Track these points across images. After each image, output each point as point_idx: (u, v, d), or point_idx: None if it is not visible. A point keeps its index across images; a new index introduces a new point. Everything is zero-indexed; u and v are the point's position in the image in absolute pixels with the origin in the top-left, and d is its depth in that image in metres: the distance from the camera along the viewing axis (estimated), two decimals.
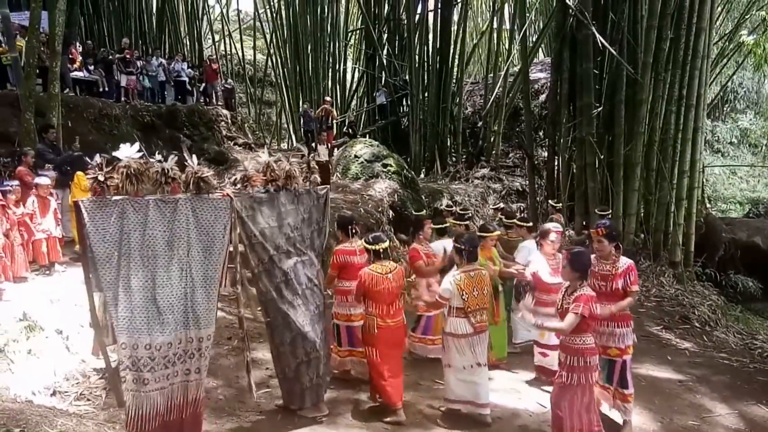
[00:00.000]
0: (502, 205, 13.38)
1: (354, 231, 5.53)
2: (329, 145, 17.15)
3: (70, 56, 12.53)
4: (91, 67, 13.29)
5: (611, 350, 4.48)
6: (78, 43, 13.87)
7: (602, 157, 11.20)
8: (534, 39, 21.00)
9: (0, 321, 5.09)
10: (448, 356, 4.69)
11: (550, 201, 10.65)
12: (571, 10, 11.58)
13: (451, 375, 4.71)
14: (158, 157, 3.94)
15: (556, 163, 13.39)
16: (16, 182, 6.73)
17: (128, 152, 3.78)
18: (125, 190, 3.70)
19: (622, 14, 11.00)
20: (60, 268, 6.80)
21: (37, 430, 2.20)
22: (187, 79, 16.01)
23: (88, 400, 4.33)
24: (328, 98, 18.21)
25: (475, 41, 24.54)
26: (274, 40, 24.28)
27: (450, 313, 4.62)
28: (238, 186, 4.28)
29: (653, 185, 11.13)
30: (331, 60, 22.65)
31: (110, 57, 13.95)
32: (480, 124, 19.74)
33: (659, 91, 10.91)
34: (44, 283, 6.35)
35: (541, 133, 17.86)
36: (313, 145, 12.21)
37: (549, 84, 16.25)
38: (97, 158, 3.77)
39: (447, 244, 6.02)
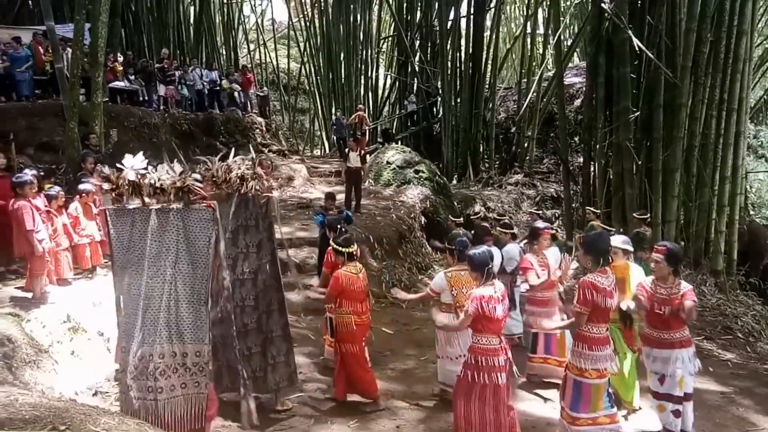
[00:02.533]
0: (534, 211, 13.20)
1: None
2: (362, 151, 17.26)
3: (111, 66, 12.94)
4: (132, 77, 13.70)
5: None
6: (119, 54, 14.33)
7: (640, 162, 10.94)
8: (568, 43, 20.78)
9: (45, 322, 5.29)
10: (439, 347, 5.13)
11: (588, 207, 10.44)
12: (606, 14, 11.38)
13: (442, 364, 5.14)
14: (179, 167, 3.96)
15: (592, 169, 13.15)
16: (59, 188, 6.96)
17: (133, 162, 3.87)
18: (130, 200, 3.81)
19: (660, 17, 10.75)
20: (102, 272, 7.00)
21: (81, 428, 2.27)
22: (222, 88, 16.35)
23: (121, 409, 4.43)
24: (361, 106, 18.31)
25: (508, 46, 24.39)
26: (308, 49, 24.62)
27: (440, 309, 4.90)
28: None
29: (693, 191, 10.83)
30: (363, 67, 22.83)
31: (150, 67, 14.35)
32: (513, 129, 19.58)
33: (699, 95, 10.63)
34: (86, 286, 6.55)
35: (576, 139, 17.57)
36: (346, 151, 12.37)
37: (584, 89, 16.01)
38: (105, 169, 3.90)
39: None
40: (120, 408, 3.86)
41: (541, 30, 23.00)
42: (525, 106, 18.46)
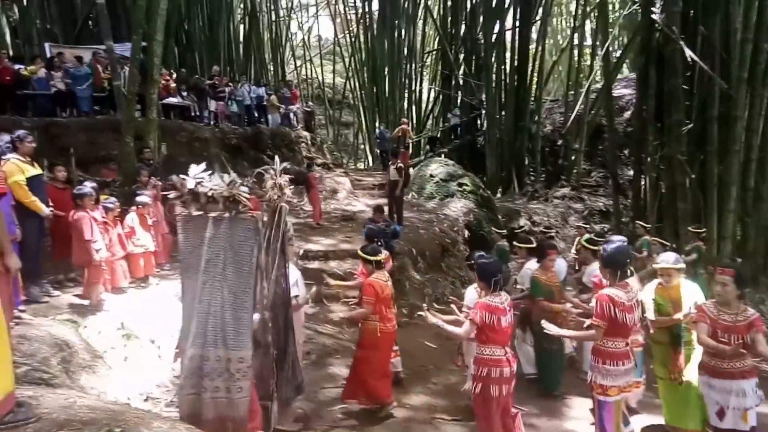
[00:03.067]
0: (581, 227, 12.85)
1: (380, 243, 5.88)
2: (405, 164, 17.31)
3: (165, 82, 13.46)
4: (185, 94, 14.21)
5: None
6: (173, 71, 14.90)
7: (693, 176, 10.57)
8: (617, 54, 20.34)
9: (101, 329, 5.51)
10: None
11: (638, 222, 10.13)
12: (657, 25, 11.12)
13: None
14: (228, 177, 4.09)
15: (642, 183, 12.78)
16: (115, 200, 7.27)
17: (196, 172, 4.02)
18: (194, 208, 3.95)
19: (713, 27, 10.43)
20: (154, 281, 7.26)
21: (135, 430, 2.36)
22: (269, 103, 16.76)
23: (178, 407, 4.56)
24: (404, 119, 18.42)
25: (554, 58, 24.08)
26: (353, 64, 25.01)
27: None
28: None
29: (750, 206, 10.38)
30: (407, 81, 23.00)
31: (202, 84, 14.86)
32: (560, 142, 19.24)
33: (756, 107, 10.24)
34: (140, 294, 6.79)
35: (625, 152, 17.13)
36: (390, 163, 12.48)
37: (634, 100, 15.62)
38: (174, 178, 4.07)
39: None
40: (176, 407, 4.01)
41: (588, 41, 22.62)
42: (572, 118, 18.12)
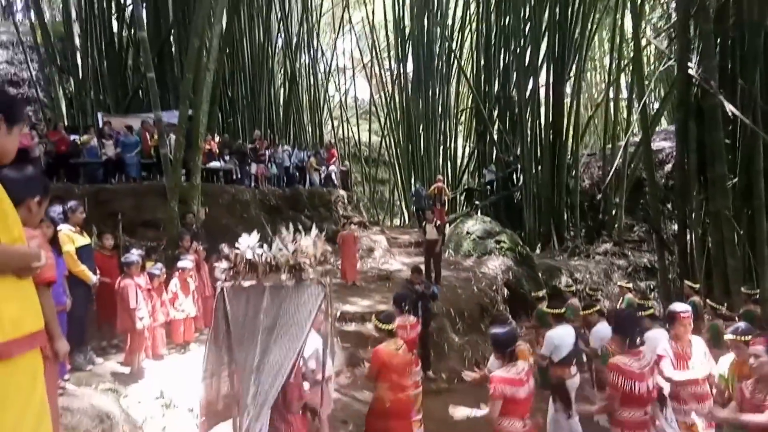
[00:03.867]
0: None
1: (407, 308, 5.80)
2: (441, 222, 17.31)
3: (209, 147, 14.00)
4: (227, 158, 14.72)
5: None
6: (216, 135, 15.52)
7: (741, 232, 10.19)
8: (655, 106, 20.20)
9: (141, 398, 5.54)
10: None
11: (686, 281, 9.68)
12: (694, 80, 11.03)
13: None
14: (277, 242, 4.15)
15: (688, 238, 12.36)
16: (161, 266, 7.45)
17: (248, 242, 4.08)
18: (246, 278, 3.99)
19: (753, 80, 10.28)
20: (194, 347, 7.31)
21: None
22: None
23: None
24: (440, 177, 18.53)
25: (590, 113, 24.08)
26: (388, 123, 25.59)
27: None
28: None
29: None
30: (442, 138, 23.31)
31: (243, 148, 15.40)
32: (599, 196, 18.95)
33: None
34: (179, 360, 6.84)
35: (668, 206, 16.71)
36: (423, 224, 12.43)
37: (674, 153, 15.37)
38: (224, 249, 4.13)
39: (567, 332, 5.77)
40: None
41: (624, 94, 22.63)
42: (611, 172, 17.90)
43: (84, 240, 6.24)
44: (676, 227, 14.05)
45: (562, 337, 5.64)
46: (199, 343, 7.48)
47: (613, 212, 17.96)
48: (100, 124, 13.44)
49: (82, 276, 6.03)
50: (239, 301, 3.97)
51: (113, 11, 17.05)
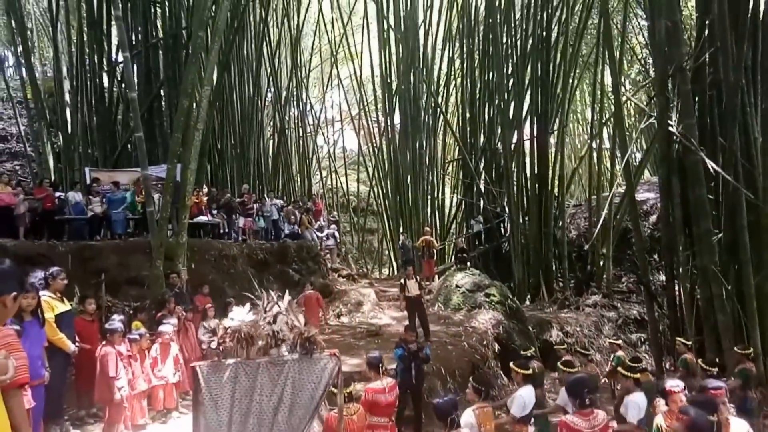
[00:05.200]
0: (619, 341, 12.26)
1: (383, 369, 5.59)
2: (430, 274, 17.24)
3: (196, 200, 13.92)
4: (215, 212, 14.65)
5: None
6: (205, 187, 15.49)
7: (729, 287, 10.20)
8: (638, 158, 20.60)
9: None
10: None
11: (678, 339, 9.57)
12: (675, 137, 11.27)
13: None
14: (268, 313, 4.07)
15: (676, 291, 12.36)
16: (143, 331, 7.26)
17: (240, 315, 3.99)
18: (237, 353, 3.85)
19: (733, 137, 10.52)
20: (175, 414, 7.05)
21: None
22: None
23: None
24: (427, 228, 18.59)
25: (575, 164, 24.50)
26: (376, 173, 25.81)
27: None
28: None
29: None
30: (429, 189, 23.50)
31: (232, 202, 15.36)
32: (587, 247, 19.04)
33: None
34: (160, 430, 6.57)
35: (655, 256, 16.80)
36: (401, 281, 12.04)
37: (659, 205, 15.56)
38: (211, 323, 4.03)
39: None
40: None
41: (607, 145, 23.09)
42: (599, 223, 18.05)
43: (64, 307, 6.09)
44: (663, 278, 14.08)
45: (530, 396, 5.67)
46: (184, 408, 7.22)
47: (601, 263, 18.00)
48: (88, 180, 13.36)
49: (60, 344, 5.86)
50: (219, 380, 3.83)
51: (104, 67, 17.26)
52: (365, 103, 26.94)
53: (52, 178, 15.34)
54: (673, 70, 11.03)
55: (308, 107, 29.29)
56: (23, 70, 19.25)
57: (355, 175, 31.50)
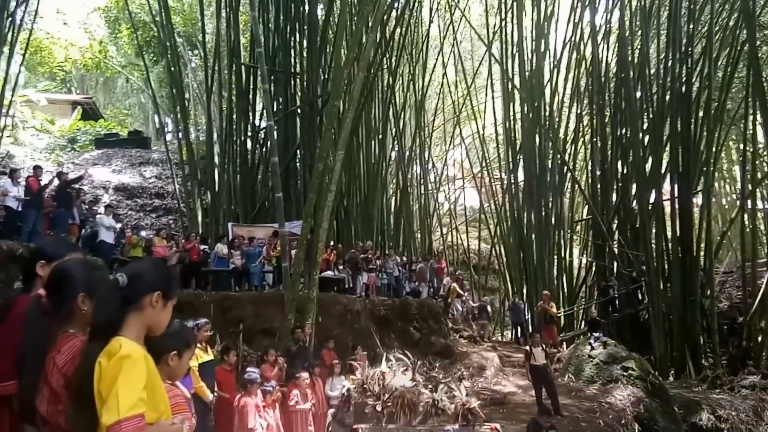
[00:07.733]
0: None
1: None
2: (553, 342, 16.13)
3: (327, 258, 14.49)
4: (341, 267, 15.13)
5: None
6: (333, 244, 16.11)
7: None
8: None
9: None
10: None
11: None
12: None
13: None
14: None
15: None
16: (275, 383, 7.48)
17: (402, 381, 3.93)
18: (398, 419, 3.79)
19: None
20: None
21: None
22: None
23: None
24: (546, 292, 17.59)
25: (724, 228, 22.24)
26: (498, 231, 25.26)
27: None
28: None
29: None
30: (555, 249, 22.45)
31: (357, 258, 15.80)
32: (741, 320, 16.89)
33: None
34: None
35: None
36: (527, 348, 11.26)
37: None
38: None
39: None
40: None
41: (761, 205, 20.78)
42: (758, 294, 16.01)
43: (208, 356, 6.48)
44: None
45: None
46: None
47: (759, 339, 15.84)
48: (230, 235, 14.50)
49: (200, 393, 6.19)
50: None
51: (248, 132, 19.00)
52: (488, 161, 26.85)
53: (200, 231, 16.84)
54: None
55: (430, 165, 29.80)
56: (180, 134, 21.80)
57: (476, 233, 31.11)
